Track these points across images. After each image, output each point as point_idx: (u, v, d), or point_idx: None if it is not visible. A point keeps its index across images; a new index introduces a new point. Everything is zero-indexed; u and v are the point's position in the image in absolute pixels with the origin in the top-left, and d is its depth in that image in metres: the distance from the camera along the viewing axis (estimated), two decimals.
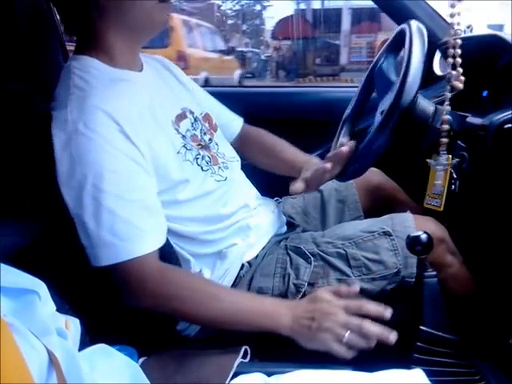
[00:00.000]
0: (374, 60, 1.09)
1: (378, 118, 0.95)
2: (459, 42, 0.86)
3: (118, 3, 0.81)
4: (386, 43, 1.05)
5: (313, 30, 17.81)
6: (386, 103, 0.94)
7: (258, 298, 0.83)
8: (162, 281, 0.77)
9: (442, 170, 0.91)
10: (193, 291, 0.78)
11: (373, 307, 0.76)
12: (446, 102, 0.88)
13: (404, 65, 0.85)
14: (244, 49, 18.70)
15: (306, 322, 0.75)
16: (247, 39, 21.33)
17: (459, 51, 0.85)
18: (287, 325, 0.75)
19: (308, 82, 12.85)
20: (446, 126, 0.88)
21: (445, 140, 0.89)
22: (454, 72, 0.86)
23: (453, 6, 0.86)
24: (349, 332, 0.73)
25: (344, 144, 0.98)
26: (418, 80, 0.85)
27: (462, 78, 0.86)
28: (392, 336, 0.73)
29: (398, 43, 0.98)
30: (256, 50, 18.63)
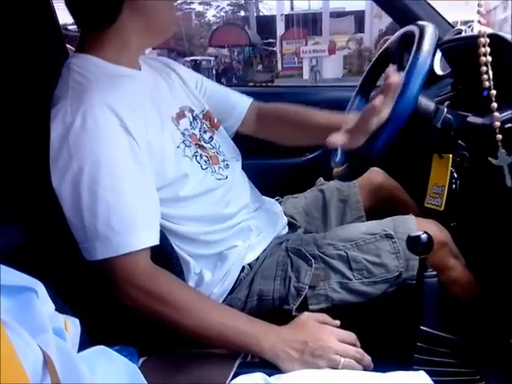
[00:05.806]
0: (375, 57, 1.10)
1: None
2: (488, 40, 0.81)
3: (151, 3, 0.83)
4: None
5: (250, 37, 17.96)
6: None
7: (245, 319, 0.78)
8: (152, 280, 0.76)
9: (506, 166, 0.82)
10: (180, 296, 0.76)
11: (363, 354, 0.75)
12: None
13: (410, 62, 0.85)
14: (198, 57, 18.74)
15: (299, 346, 0.72)
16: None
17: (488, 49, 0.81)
18: (270, 349, 0.73)
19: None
20: (497, 124, 0.79)
21: (499, 136, 0.80)
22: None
23: (480, 5, 0.84)
24: (343, 359, 0.72)
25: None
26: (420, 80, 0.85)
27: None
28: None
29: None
30: (210, 58, 18.55)
